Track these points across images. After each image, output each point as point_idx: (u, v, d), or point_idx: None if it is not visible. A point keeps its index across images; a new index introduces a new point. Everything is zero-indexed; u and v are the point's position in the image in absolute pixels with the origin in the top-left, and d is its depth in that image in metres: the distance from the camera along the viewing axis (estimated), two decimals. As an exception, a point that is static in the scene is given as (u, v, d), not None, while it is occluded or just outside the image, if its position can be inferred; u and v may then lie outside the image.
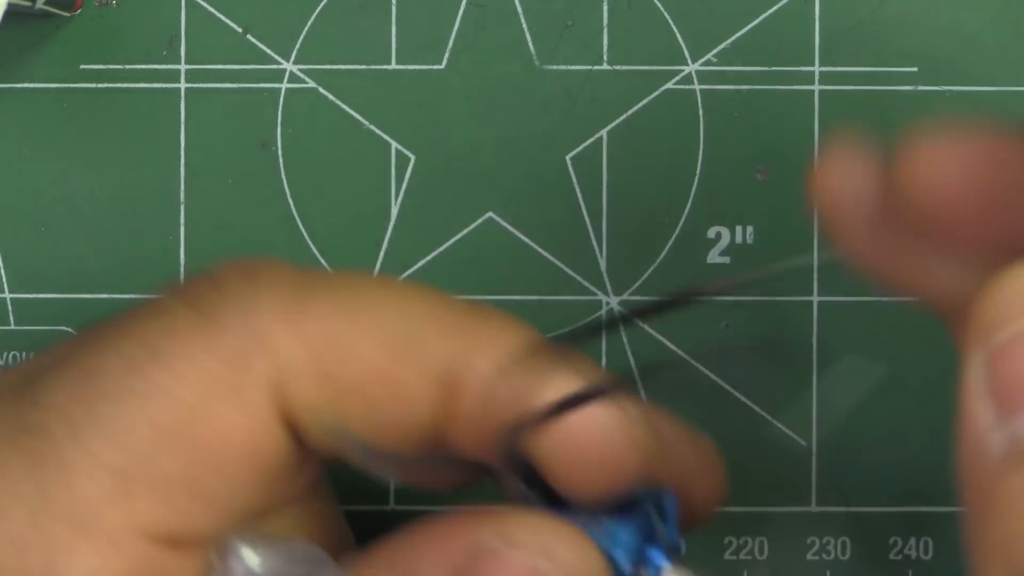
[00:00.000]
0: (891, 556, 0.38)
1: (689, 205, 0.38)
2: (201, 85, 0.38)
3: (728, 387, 0.38)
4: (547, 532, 0.28)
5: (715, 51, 0.38)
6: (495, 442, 0.28)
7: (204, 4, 0.38)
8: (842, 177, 0.29)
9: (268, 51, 0.38)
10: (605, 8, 0.38)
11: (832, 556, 0.38)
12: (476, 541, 0.28)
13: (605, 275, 0.38)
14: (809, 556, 0.38)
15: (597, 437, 0.28)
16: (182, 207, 0.38)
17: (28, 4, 0.36)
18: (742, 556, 0.38)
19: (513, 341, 0.29)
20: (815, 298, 0.38)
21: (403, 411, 0.29)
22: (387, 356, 0.28)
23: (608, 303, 0.38)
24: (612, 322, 0.31)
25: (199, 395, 0.28)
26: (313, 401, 0.28)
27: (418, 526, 0.29)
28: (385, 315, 0.29)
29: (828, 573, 0.38)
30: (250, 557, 0.29)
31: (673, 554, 0.29)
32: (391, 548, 0.28)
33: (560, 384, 0.28)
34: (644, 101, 0.38)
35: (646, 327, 0.38)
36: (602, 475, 0.29)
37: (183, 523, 0.28)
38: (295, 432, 0.29)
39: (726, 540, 0.38)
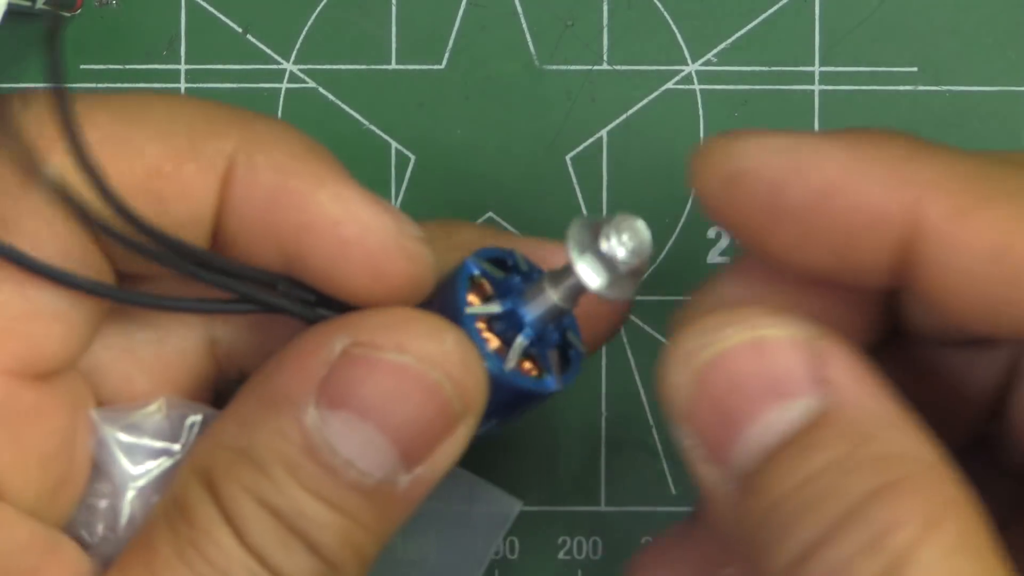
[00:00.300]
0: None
1: (689, 205, 0.38)
2: (201, 85, 0.38)
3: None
4: (397, 325, 0.28)
5: (715, 51, 0.38)
6: (273, 241, 0.28)
7: (204, 4, 0.38)
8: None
9: (268, 51, 0.38)
10: (605, 8, 0.38)
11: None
12: (332, 349, 0.28)
13: (605, 275, 0.38)
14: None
15: (369, 245, 0.29)
16: (182, 207, 0.38)
17: (28, 4, 0.36)
18: (742, 556, 0.38)
19: (293, 144, 0.29)
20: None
21: (187, 209, 0.28)
22: (167, 150, 0.28)
23: (608, 303, 0.38)
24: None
25: None
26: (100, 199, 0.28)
27: (283, 348, 0.29)
28: (163, 116, 0.28)
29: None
30: (111, 430, 0.29)
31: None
32: (259, 377, 0.29)
33: (336, 187, 0.28)
34: (644, 101, 0.38)
35: (645, 325, 0.38)
36: (379, 284, 0.29)
37: (40, 354, 0.28)
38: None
39: (726, 540, 0.38)
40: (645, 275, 0.29)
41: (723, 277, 0.30)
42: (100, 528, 0.29)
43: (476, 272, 0.30)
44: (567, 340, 0.30)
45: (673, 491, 0.38)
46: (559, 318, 0.29)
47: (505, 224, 0.38)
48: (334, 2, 0.38)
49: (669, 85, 0.38)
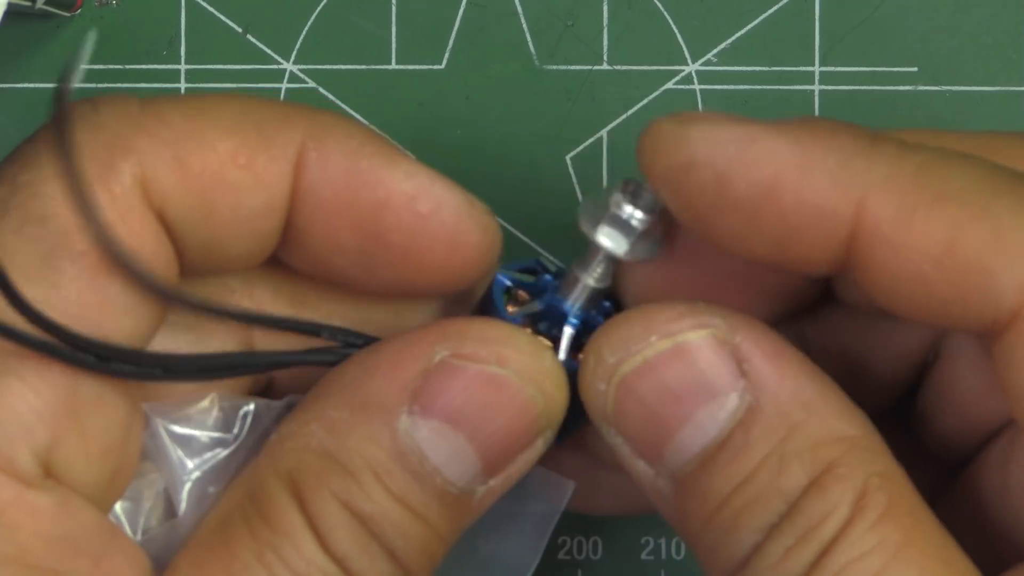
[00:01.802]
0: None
1: (689, 205, 0.38)
2: (201, 85, 0.38)
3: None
4: (499, 339, 0.28)
5: (715, 51, 0.38)
6: (349, 221, 0.29)
7: (204, 4, 0.38)
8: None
9: (268, 51, 0.38)
10: (605, 8, 0.38)
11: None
12: (430, 357, 0.28)
13: (605, 275, 0.38)
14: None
15: (445, 217, 0.29)
16: (182, 207, 0.38)
17: (28, 4, 0.36)
18: (742, 556, 0.38)
19: (359, 131, 0.30)
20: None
21: (262, 197, 0.29)
22: (240, 142, 0.29)
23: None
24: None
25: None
26: (179, 193, 0.28)
27: (372, 351, 0.29)
28: (233, 113, 0.29)
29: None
30: (167, 426, 0.29)
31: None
32: (347, 377, 0.29)
33: (408, 165, 0.29)
34: (644, 101, 0.38)
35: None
36: (456, 255, 0.29)
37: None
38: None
39: (726, 540, 0.38)
40: (663, 231, 0.29)
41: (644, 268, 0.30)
42: (143, 521, 0.29)
43: (508, 283, 0.30)
44: None
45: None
46: (600, 301, 0.30)
47: (505, 224, 0.38)
48: (334, 2, 0.38)
49: (669, 85, 0.38)
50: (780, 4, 0.38)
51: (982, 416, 0.30)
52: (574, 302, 0.30)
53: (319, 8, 0.38)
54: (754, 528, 0.27)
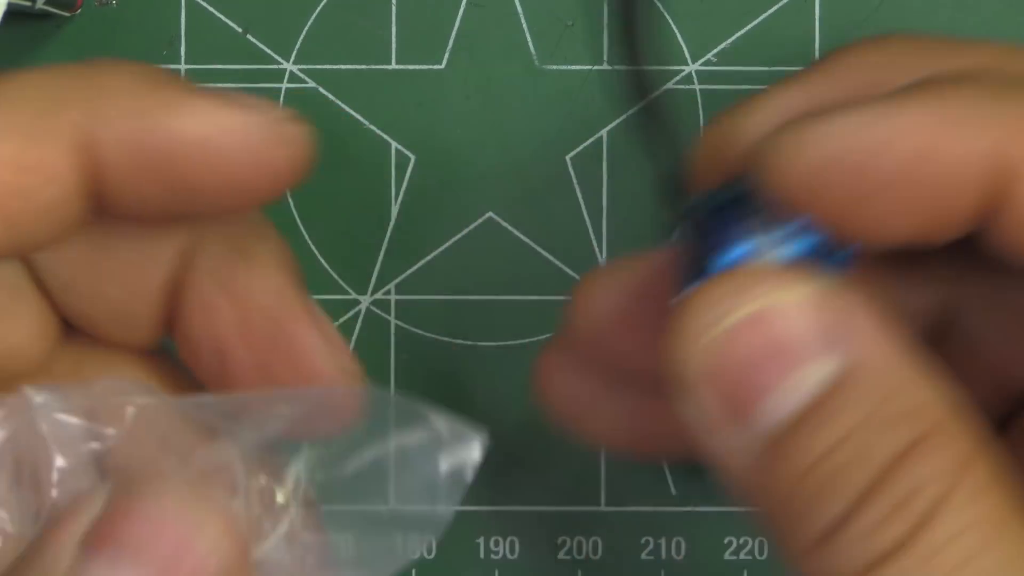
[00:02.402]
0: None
1: (689, 205, 0.38)
2: (201, 85, 0.38)
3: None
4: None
5: (715, 51, 0.38)
6: (158, 189, 0.29)
7: (204, 4, 0.38)
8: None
9: (268, 51, 0.38)
10: (605, 8, 0.38)
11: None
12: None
13: (605, 275, 0.38)
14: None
15: (248, 147, 0.29)
16: (182, 207, 0.38)
17: (28, 4, 0.36)
18: (742, 556, 0.38)
19: (137, 81, 0.29)
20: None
21: (54, 192, 0.28)
22: (17, 144, 0.28)
23: (608, 303, 0.38)
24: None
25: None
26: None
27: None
28: (5, 106, 0.29)
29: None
30: (41, 399, 0.29)
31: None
32: None
33: (186, 106, 0.29)
34: (644, 101, 0.38)
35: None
36: (267, 179, 0.29)
37: None
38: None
39: (726, 540, 0.38)
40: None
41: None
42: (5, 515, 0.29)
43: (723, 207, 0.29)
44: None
45: (673, 491, 0.38)
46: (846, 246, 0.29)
47: (505, 224, 0.38)
48: (334, 2, 0.38)
49: (669, 85, 0.38)
50: (780, 4, 0.38)
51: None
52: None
53: (319, 8, 0.38)
54: (846, 493, 0.26)
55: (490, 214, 0.38)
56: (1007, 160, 0.27)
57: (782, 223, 0.28)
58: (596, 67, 0.38)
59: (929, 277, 0.31)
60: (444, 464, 0.30)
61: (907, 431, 0.26)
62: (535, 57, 0.38)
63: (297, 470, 0.29)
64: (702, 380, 0.28)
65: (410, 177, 0.38)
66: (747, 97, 0.31)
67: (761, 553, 0.38)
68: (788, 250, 0.28)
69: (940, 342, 0.31)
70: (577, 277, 0.38)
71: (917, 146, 0.27)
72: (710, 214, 0.29)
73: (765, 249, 0.29)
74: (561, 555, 0.38)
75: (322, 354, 0.31)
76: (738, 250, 0.29)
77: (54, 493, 0.28)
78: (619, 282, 0.31)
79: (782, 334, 0.27)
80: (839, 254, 0.29)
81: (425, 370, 0.38)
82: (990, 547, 0.26)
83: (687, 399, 0.28)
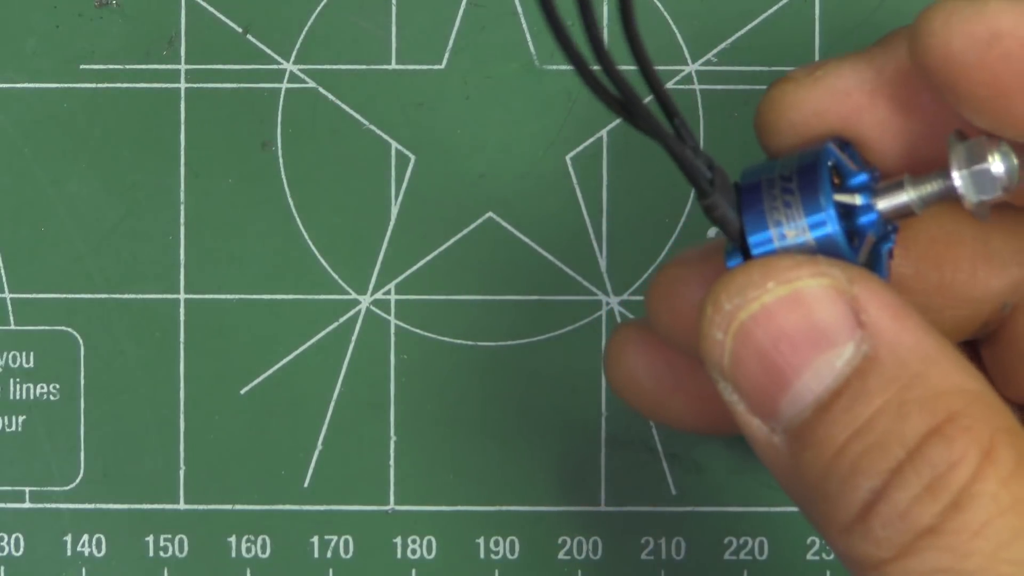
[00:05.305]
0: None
1: (689, 205, 0.38)
2: (201, 85, 0.38)
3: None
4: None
5: (715, 51, 0.38)
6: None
7: (204, 4, 0.38)
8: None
9: (268, 51, 0.38)
10: (605, 8, 0.38)
11: (832, 556, 0.38)
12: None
13: (605, 275, 0.38)
14: (808, 556, 0.38)
15: None
16: (182, 207, 0.38)
17: None
18: (742, 556, 0.38)
19: None
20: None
21: None
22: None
23: (608, 303, 0.38)
24: None
25: None
26: None
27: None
28: None
29: (828, 573, 0.38)
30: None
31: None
32: None
33: None
34: (644, 101, 0.38)
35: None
36: None
37: None
38: None
39: (726, 540, 0.38)
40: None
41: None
42: None
43: (832, 160, 0.29)
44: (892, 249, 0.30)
45: (673, 491, 0.38)
46: (895, 223, 0.30)
47: (505, 224, 0.38)
48: (334, 2, 0.38)
49: (669, 85, 0.38)
50: (780, 4, 0.38)
51: None
52: (884, 206, 0.29)
53: (319, 8, 0.38)
54: (873, 473, 0.26)
55: (490, 214, 0.38)
56: None
57: (827, 202, 0.29)
58: (596, 67, 0.38)
59: (1007, 260, 0.31)
60: None
61: (932, 413, 0.26)
62: (535, 57, 0.38)
63: None
64: (733, 364, 0.28)
65: (410, 177, 0.38)
66: (808, 65, 0.31)
67: (761, 553, 0.38)
68: (825, 231, 0.29)
69: (998, 323, 0.31)
70: (577, 277, 0.38)
71: None
72: (758, 187, 0.29)
73: (800, 231, 0.29)
74: (561, 555, 0.38)
75: None
76: (768, 233, 0.29)
77: None
78: (696, 272, 0.31)
79: (816, 315, 0.27)
80: (881, 230, 0.29)
81: (425, 370, 0.38)
82: None
83: (724, 387, 0.28)
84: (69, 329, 0.38)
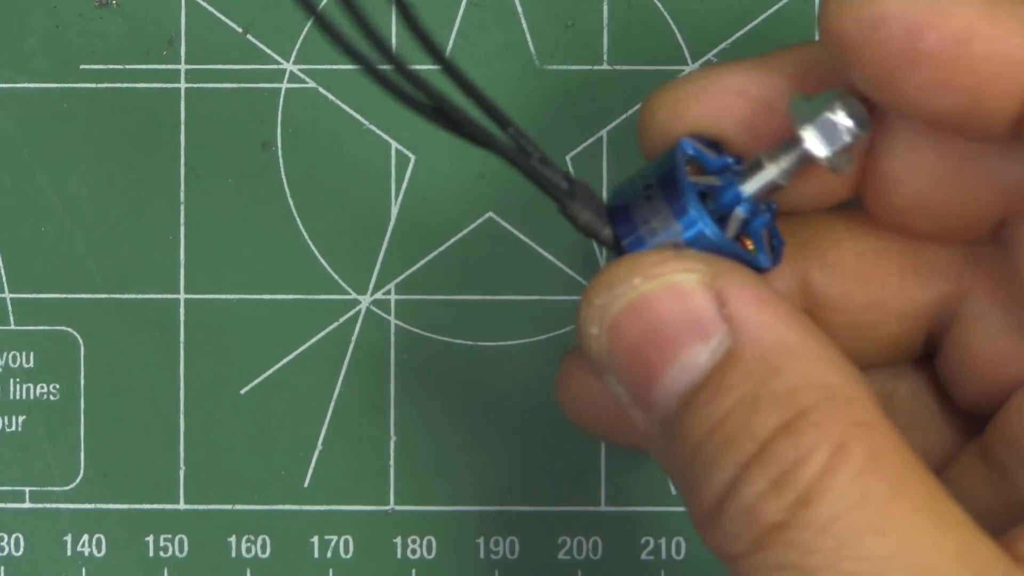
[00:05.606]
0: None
1: (689, 205, 0.38)
2: (201, 85, 0.38)
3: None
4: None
5: (715, 51, 0.38)
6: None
7: (204, 4, 0.38)
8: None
9: (268, 51, 0.38)
10: (605, 8, 0.38)
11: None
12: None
13: (605, 275, 0.38)
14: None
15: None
16: (182, 207, 0.38)
17: None
18: (742, 556, 0.38)
19: None
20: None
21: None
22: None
23: (608, 303, 0.38)
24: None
25: None
26: None
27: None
28: None
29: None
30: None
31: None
32: None
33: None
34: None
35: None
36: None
37: None
38: None
39: (726, 540, 0.38)
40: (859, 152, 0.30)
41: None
42: None
43: (690, 152, 0.30)
44: (772, 227, 0.31)
45: (673, 491, 0.38)
46: (768, 201, 0.30)
47: (505, 224, 0.38)
48: (334, 2, 0.38)
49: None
50: (780, 4, 0.38)
51: (1001, 377, 0.30)
52: (752, 190, 0.30)
53: (319, 8, 0.38)
54: (725, 468, 0.27)
55: (490, 214, 0.38)
56: None
57: (701, 202, 0.29)
58: (596, 67, 0.38)
59: (935, 272, 0.31)
60: None
61: (783, 408, 0.27)
62: (535, 57, 0.38)
63: None
64: (610, 357, 0.28)
65: (410, 177, 0.38)
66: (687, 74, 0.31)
67: (761, 553, 0.38)
68: (688, 217, 0.29)
69: (939, 337, 0.32)
70: (577, 277, 0.38)
71: (964, 27, 0.27)
72: (625, 195, 0.30)
73: (665, 223, 0.29)
74: (561, 555, 0.38)
75: None
76: (638, 231, 0.29)
77: None
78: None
79: (688, 307, 0.28)
80: (750, 209, 0.30)
81: (425, 370, 0.38)
82: (877, 530, 0.26)
83: (608, 380, 0.29)
84: (69, 329, 0.38)
